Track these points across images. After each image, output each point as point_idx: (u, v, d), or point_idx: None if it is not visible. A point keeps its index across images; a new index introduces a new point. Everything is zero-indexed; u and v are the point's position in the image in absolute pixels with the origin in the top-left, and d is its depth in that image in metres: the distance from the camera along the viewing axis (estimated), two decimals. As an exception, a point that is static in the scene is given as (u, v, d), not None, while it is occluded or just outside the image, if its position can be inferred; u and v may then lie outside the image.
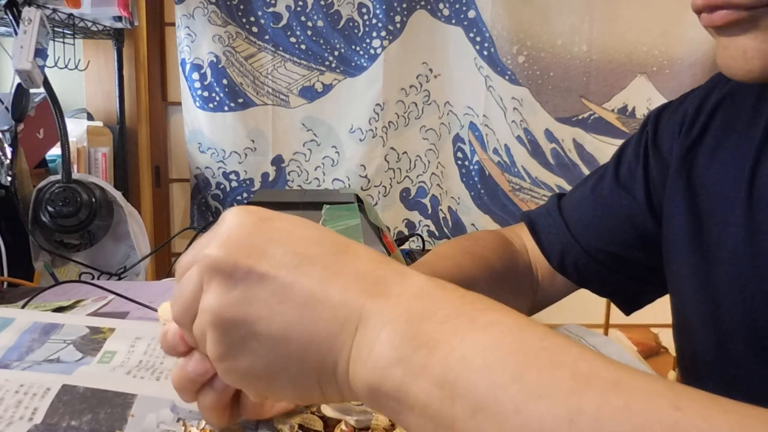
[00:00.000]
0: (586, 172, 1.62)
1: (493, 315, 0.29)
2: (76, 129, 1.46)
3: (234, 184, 1.66)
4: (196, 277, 0.33)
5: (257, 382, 0.33)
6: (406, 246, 1.51)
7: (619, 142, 0.66)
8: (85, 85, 1.65)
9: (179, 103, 1.65)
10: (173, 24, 1.60)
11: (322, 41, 1.61)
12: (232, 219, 0.33)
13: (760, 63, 0.42)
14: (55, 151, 1.26)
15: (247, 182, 1.66)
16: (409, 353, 0.28)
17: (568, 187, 1.63)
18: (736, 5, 0.41)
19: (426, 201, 1.71)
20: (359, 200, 1.03)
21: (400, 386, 0.28)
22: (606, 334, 1.81)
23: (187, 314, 0.34)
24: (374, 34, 1.60)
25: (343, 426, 0.41)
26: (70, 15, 1.32)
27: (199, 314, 0.33)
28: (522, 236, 0.67)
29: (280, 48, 1.61)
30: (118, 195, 1.15)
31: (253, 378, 0.32)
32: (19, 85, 1.03)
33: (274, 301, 0.31)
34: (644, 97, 1.60)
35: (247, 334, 0.31)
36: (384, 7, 1.57)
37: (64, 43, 1.36)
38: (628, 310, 0.66)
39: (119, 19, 1.44)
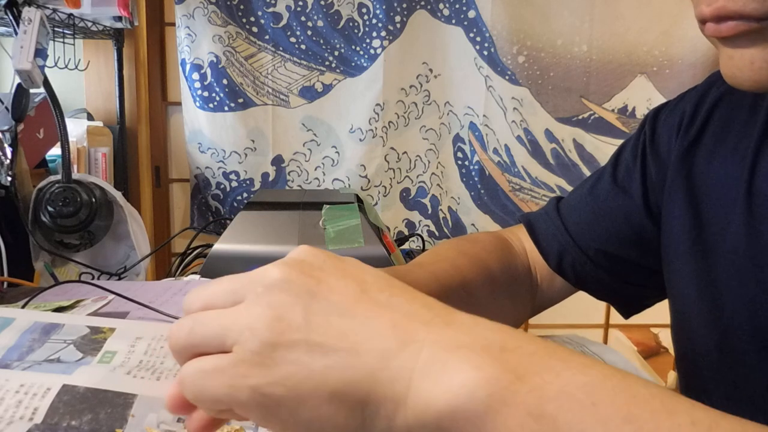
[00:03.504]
0: (586, 172, 1.62)
1: (585, 359, 0.27)
2: (76, 129, 1.46)
3: (234, 184, 1.66)
4: (235, 296, 0.31)
5: (278, 402, 0.29)
6: (406, 246, 1.51)
7: (619, 142, 0.66)
8: (85, 85, 1.65)
9: (179, 103, 1.65)
10: (173, 24, 1.60)
11: (322, 41, 1.61)
12: (305, 251, 0.32)
13: None
14: (55, 151, 1.26)
15: (247, 182, 1.66)
16: (493, 376, 0.26)
17: (568, 187, 1.63)
18: (747, 16, 0.39)
19: (426, 201, 1.71)
20: (359, 200, 1.03)
21: (486, 411, 0.26)
22: (606, 334, 1.82)
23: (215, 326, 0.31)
24: (374, 34, 1.59)
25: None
26: (70, 15, 1.31)
27: (243, 316, 0.30)
28: (521, 238, 0.67)
29: (280, 48, 1.61)
30: (118, 195, 1.15)
31: (275, 397, 0.29)
32: (19, 85, 1.03)
33: (334, 313, 0.29)
34: (644, 97, 1.60)
35: (298, 340, 0.29)
36: (384, 7, 1.57)
37: (64, 43, 1.36)
38: (626, 314, 0.66)
39: (119, 19, 1.44)
